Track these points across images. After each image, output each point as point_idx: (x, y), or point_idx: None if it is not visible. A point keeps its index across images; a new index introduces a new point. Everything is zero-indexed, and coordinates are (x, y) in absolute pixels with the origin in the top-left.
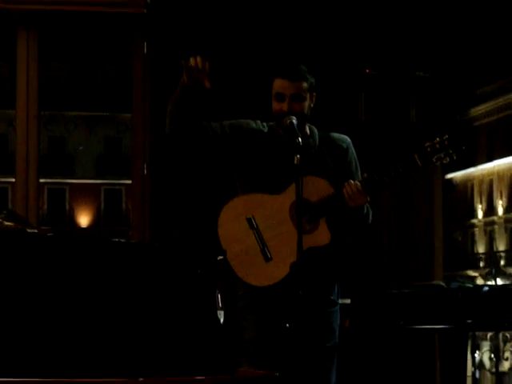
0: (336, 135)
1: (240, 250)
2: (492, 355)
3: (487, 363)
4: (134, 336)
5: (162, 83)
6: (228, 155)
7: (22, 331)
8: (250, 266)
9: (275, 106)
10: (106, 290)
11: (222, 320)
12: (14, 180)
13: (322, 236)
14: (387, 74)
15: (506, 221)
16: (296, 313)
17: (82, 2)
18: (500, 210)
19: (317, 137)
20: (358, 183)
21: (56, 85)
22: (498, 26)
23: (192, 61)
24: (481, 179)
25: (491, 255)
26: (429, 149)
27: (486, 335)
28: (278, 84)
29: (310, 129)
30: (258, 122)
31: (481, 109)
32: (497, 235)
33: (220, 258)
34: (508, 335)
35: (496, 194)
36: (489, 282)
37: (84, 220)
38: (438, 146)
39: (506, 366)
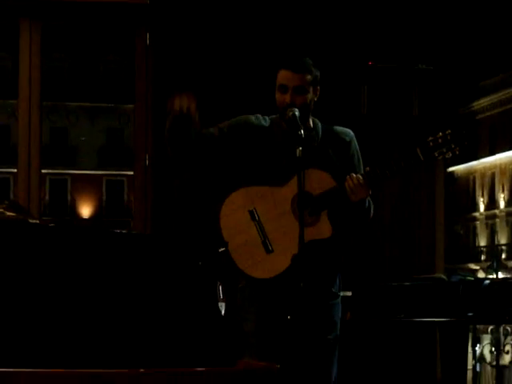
0: (339, 128)
1: (241, 242)
2: (493, 348)
3: (488, 356)
4: (135, 327)
5: (165, 74)
6: (229, 154)
7: (23, 322)
8: (251, 258)
9: (278, 97)
10: (107, 281)
11: (223, 312)
12: (15, 170)
13: (323, 229)
14: (390, 66)
15: (508, 214)
16: (297, 305)
17: None
18: (502, 204)
19: (320, 130)
20: (360, 176)
21: (58, 75)
22: (501, 18)
23: (176, 104)
24: (483, 172)
25: (492, 248)
26: (431, 143)
27: (487, 328)
28: (282, 75)
29: (313, 122)
30: (259, 116)
31: (483, 102)
32: (498, 228)
33: (221, 249)
34: (509, 328)
35: (498, 187)
36: (490, 276)
37: (86, 211)
38: (440, 140)
39: (506, 359)
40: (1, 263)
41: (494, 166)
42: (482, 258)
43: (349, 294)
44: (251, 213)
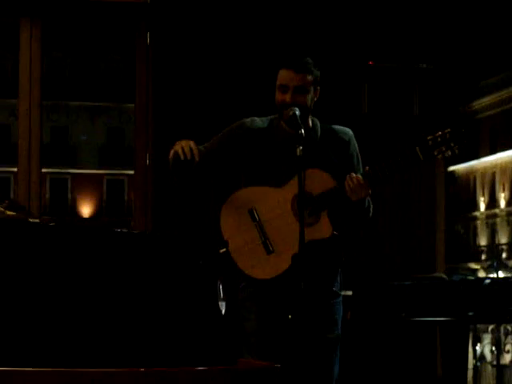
0: (338, 128)
1: (242, 243)
2: (493, 348)
3: (488, 356)
4: (136, 326)
5: (165, 73)
6: (230, 160)
7: (24, 321)
8: (252, 258)
9: (278, 96)
10: (108, 281)
11: (223, 311)
12: (16, 170)
13: (323, 229)
14: (390, 66)
15: (508, 214)
16: (298, 304)
17: None
18: (502, 203)
19: (319, 129)
20: (360, 176)
21: (59, 74)
22: (502, 18)
23: (178, 149)
24: (483, 172)
25: (493, 248)
26: (430, 142)
27: (488, 328)
28: (283, 75)
29: (312, 121)
30: (255, 118)
31: (484, 101)
32: (499, 228)
33: (222, 250)
34: (509, 328)
35: (498, 186)
36: (490, 275)
37: (86, 210)
38: (439, 139)
39: (507, 358)
40: (1, 262)
41: (494, 166)
42: (483, 257)
43: (350, 293)
44: (251, 213)
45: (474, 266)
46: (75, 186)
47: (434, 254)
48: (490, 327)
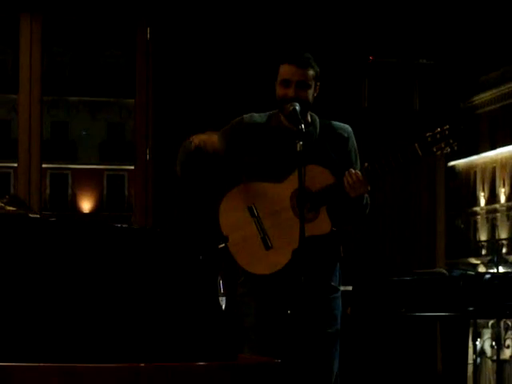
0: (337, 124)
1: (241, 238)
2: (493, 343)
3: (488, 351)
4: (136, 321)
5: (166, 69)
6: (232, 157)
7: (24, 317)
8: (251, 254)
9: (280, 91)
10: (108, 276)
11: (223, 306)
12: (16, 165)
13: (322, 225)
14: (391, 60)
15: (509, 209)
16: (297, 299)
17: None
18: (502, 198)
19: (318, 125)
20: (359, 172)
21: (59, 70)
22: (502, 13)
23: (202, 142)
24: (483, 167)
25: (493, 243)
26: (429, 138)
27: (488, 323)
28: (285, 70)
29: (311, 117)
30: (254, 114)
31: (484, 96)
32: (499, 223)
33: (221, 245)
34: (509, 323)
35: (498, 181)
36: (491, 270)
37: (86, 205)
38: (438, 135)
39: (507, 353)
40: (1, 258)
41: (494, 161)
42: (483, 252)
43: (349, 288)
44: (250, 209)
45: (474, 261)
46: (75, 182)
47: (434, 249)
48: (490, 322)
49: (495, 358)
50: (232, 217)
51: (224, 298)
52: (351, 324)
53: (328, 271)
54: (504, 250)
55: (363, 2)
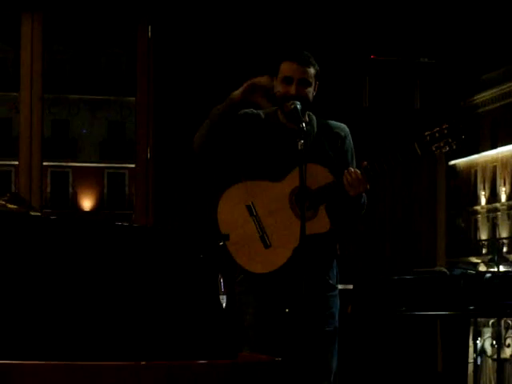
0: (334, 123)
1: (239, 237)
2: (494, 342)
3: (489, 350)
4: (136, 320)
5: (167, 67)
6: (236, 147)
7: (26, 315)
8: (249, 252)
9: (281, 88)
10: (109, 274)
11: (224, 304)
12: (17, 163)
13: (321, 223)
14: (392, 59)
15: (509, 208)
16: (295, 298)
17: None
18: (503, 197)
19: (315, 124)
20: (358, 171)
21: (60, 68)
22: (503, 12)
23: (264, 80)
24: (484, 166)
25: (494, 242)
26: (428, 138)
27: (488, 322)
28: (287, 67)
29: (308, 116)
30: (253, 109)
31: (485, 95)
32: (499, 222)
33: (220, 243)
34: (510, 322)
35: (499, 181)
36: (491, 269)
37: (87, 203)
38: (437, 135)
39: (507, 352)
40: (2, 255)
41: (495, 160)
42: (484, 251)
43: (350, 287)
44: (249, 208)
45: (474, 260)
46: (76, 180)
47: (435, 248)
48: (491, 321)
49: (496, 356)
50: (231, 215)
51: (225, 297)
52: (352, 323)
53: (325, 269)
54: (505, 249)
55: (364, 1)
